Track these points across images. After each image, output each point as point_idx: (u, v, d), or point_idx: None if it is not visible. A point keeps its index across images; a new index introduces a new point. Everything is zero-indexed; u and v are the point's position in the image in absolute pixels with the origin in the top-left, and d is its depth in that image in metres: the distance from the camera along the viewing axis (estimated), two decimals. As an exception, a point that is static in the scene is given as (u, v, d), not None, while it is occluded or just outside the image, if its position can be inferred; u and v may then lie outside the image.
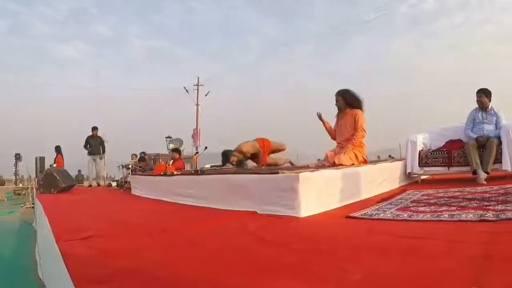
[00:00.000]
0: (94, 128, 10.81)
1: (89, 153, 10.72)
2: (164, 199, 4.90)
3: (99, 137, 11.09)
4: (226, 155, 5.66)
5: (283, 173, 2.98)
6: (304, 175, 2.84)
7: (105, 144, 11.18)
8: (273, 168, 4.14)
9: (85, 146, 10.74)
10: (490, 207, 2.48)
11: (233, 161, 5.54)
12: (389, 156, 22.99)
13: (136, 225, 3.02)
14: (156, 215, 3.73)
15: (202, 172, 4.85)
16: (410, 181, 5.21)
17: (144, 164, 9.43)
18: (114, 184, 11.06)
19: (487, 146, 4.43)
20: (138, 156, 10.96)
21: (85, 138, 10.83)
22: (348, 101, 4.55)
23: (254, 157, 5.72)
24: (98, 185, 11.04)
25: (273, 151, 6.19)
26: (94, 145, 10.74)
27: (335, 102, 4.66)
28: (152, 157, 12.61)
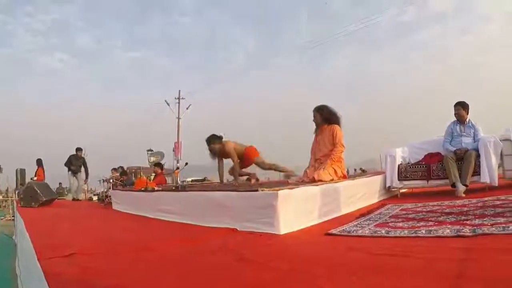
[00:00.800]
0: (79, 149, 10.73)
1: (71, 171, 10.57)
2: (145, 215, 4.83)
3: (82, 158, 10.98)
4: (209, 139, 5.39)
5: (262, 190, 2.96)
6: (283, 193, 2.82)
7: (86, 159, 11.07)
8: (253, 186, 4.09)
9: (66, 164, 10.60)
10: (467, 222, 2.51)
11: (213, 149, 5.35)
12: (360, 169, 23.22)
13: (118, 242, 2.99)
14: (138, 232, 3.69)
15: (183, 188, 4.81)
16: (390, 195, 5.26)
17: (126, 178, 9.33)
18: (95, 198, 10.87)
19: (465, 159, 4.51)
20: (120, 170, 10.83)
21: (68, 157, 10.68)
22: (325, 116, 4.58)
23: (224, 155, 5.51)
24: (77, 199, 10.85)
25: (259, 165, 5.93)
26: (77, 165, 10.66)
27: (312, 118, 4.69)
28: (133, 170, 12.48)
